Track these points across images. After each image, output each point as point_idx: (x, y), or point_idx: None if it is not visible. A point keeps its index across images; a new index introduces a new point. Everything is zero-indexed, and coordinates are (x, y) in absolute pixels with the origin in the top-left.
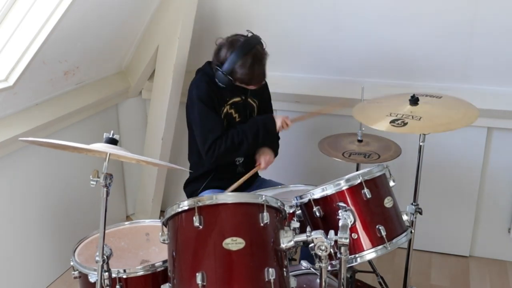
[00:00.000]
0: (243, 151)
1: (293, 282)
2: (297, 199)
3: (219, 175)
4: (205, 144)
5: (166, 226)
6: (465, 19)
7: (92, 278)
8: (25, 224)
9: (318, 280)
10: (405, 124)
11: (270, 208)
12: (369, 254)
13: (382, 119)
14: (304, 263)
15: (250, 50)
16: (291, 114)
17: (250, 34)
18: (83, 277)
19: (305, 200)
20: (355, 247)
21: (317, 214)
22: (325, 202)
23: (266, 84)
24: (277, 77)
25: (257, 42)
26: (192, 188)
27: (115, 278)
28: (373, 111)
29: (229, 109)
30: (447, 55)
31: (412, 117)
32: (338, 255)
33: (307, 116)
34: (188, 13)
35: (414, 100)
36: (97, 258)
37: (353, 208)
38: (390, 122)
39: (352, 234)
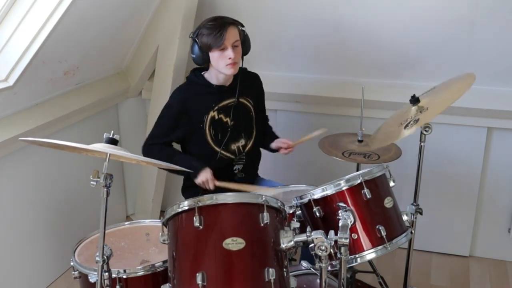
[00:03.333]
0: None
1: (293, 282)
2: (297, 199)
3: (220, 179)
4: (146, 141)
5: (166, 226)
6: (465, 19)
7: (92, 278)
8: (25, 224)
9: (318, 280)
10: (417, 120)
11: (270, 208)
12: (369, 254)
13: (399, 132)
14: (304, 263)
15: (218, 17)
16: (291, 114)
17: None
18: (83, 277)
19: (305, 200)
20: (355, 247)
21: (317, 214)
22: (325, 202)
23: (260, 82)
24: (277, 77)
25: (230, 18)
26: (189, 194)
27: (115, 278)
28: (384, 133)
29: (216, 115)
30: (447, 55)
31: (420, 111)
32: (338, 255)
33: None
34: (188, 13)
35: (415, 100)
36: (97, 258)
37: (353, 208)
38: (405, 128)
39: (352, 234)
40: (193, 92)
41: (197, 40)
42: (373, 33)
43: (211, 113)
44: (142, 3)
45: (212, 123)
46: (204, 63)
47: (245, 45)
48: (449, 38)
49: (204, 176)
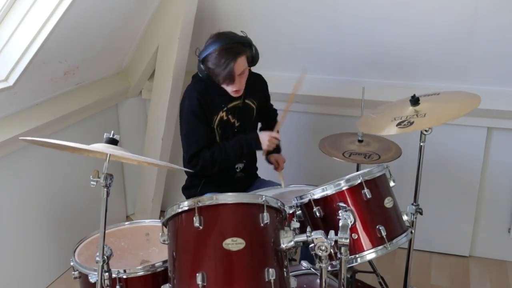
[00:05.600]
0: (224, 167)
1: (293, 282)
2: (297, 199)
3: (218, 180)
4: (187, 154)
5: (166, 227)
6: (465, 19)
7: (92, 279)
8: (25, 224)
9: (318, 280)
10: (411, 123)
11: (270, 208)
12: (369, 254)
13: (388, 125)
14: (304, 263)
15: (227, 46)
16: (291, 114)
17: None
18: (83, 277)
19: (305, 200)
20: (355, 247)
21: (317, 214)
22: (325, 202)
23: (265, 84)
24: (277, 77)
25: (241, 41)
26: (190, 193)
27: (115, 278)
28: (376, 121)
29: (225, 115)
30: (447, 55)
31: (417, 115)
32: (338, 255)
33: (284, 115)
34: (188, 13)
35: (415, 101)
36: (97, 259)
37: (353, 208)
38: (397, 125)
39: (352, 234)
40: (205, 92)
41: (203, 65)
42: (374, 33)
43: (221, 114)
44: (142, 4)
45: (220, 123)
46: (210, 81)
47: (253, 62)
48: (449, 38)
49: (267, 142)
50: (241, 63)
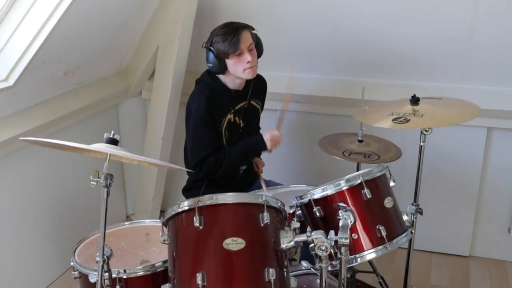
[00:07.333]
0: (230, 171)
1: (293, 282)
2: (297, 199)
3: (219, 180)
4: (193, 159)
5: (166, 226)
6: (465, 19)
7: (93, 279)
8: (25, 224)
9: (318, 280)
10: (407, 120)
11: (270, 208)
12: (369, 254)
13: (384, 118)
14: (305, 263)
15: (229, 23)
16: (291, 114)
17: None
18: (83, 277)
19: (305, 200)
20: (355, 247)
21: (317, 214)
22: (325, 202)
23: (266, 84)
24: (277, 77)
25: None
26: (190, 195)
27: (115, 278)
28: (374, 113)
29: (232, 117)
30: (447, 55)
31: (414, 114)
32: (338, 255)
33: (283, 115)
34: (188, 13)
35: (415, 100)
36: (97, 259)
37: (353, 208)
38: (393, 120)
39: (352, 234)
40: (213, 95)
41: (212, 49)
42: (373, 33)
43: (228, 116)
44: (142, 3)
45: (228, 126)
46: (221, 71)
47: (258, 47)
48: (449, 38)
49: (270, 142)
50: (246, 35)
